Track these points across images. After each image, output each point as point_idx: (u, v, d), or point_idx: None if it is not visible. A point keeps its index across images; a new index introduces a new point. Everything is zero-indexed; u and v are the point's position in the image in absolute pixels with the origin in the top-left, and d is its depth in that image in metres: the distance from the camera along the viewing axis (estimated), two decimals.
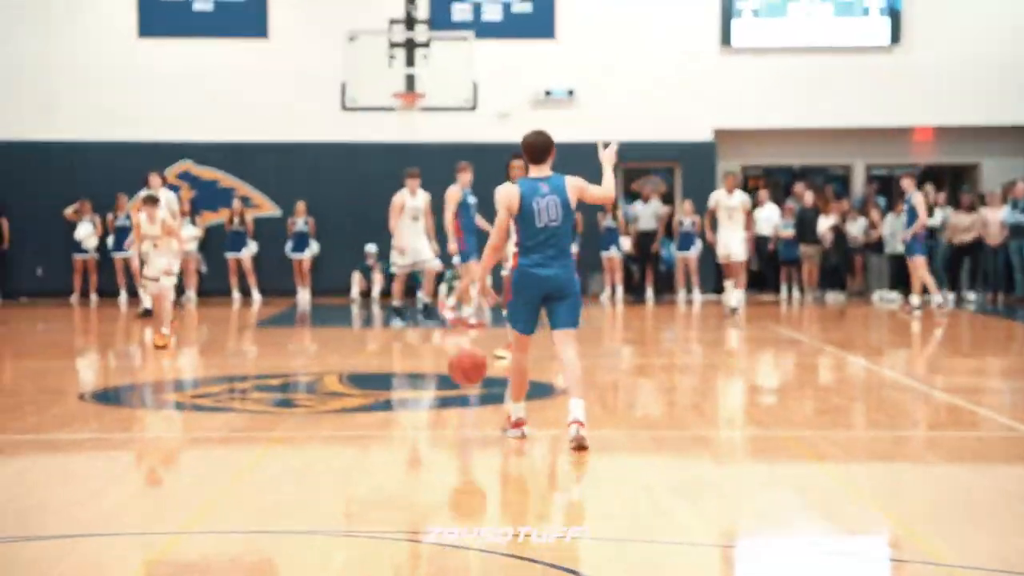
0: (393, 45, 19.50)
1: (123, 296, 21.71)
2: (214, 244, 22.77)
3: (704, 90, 23.39)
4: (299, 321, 19.39)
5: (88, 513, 6.45)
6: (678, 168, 23.79)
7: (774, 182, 24.52)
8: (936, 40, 23.42)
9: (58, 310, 20.67)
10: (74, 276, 22.48)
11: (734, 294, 18.27)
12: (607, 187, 8.45)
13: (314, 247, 22.82)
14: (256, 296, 22.39)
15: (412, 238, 16.73)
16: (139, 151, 22.75)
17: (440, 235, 17.28)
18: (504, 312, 8.88)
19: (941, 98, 23.36)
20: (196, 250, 22.19)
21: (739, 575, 5.63)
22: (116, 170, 22.35)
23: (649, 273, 22.66)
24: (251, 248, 22.62)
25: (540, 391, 10.79)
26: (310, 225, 22.77)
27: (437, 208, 16.76)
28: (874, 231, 22.50)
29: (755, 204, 23.45)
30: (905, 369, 12.78)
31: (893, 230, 22.06)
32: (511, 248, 8.74)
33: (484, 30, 22.57)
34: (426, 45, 19.65)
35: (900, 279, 22.42)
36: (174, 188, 21.05)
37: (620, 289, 22.60)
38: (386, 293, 22.37)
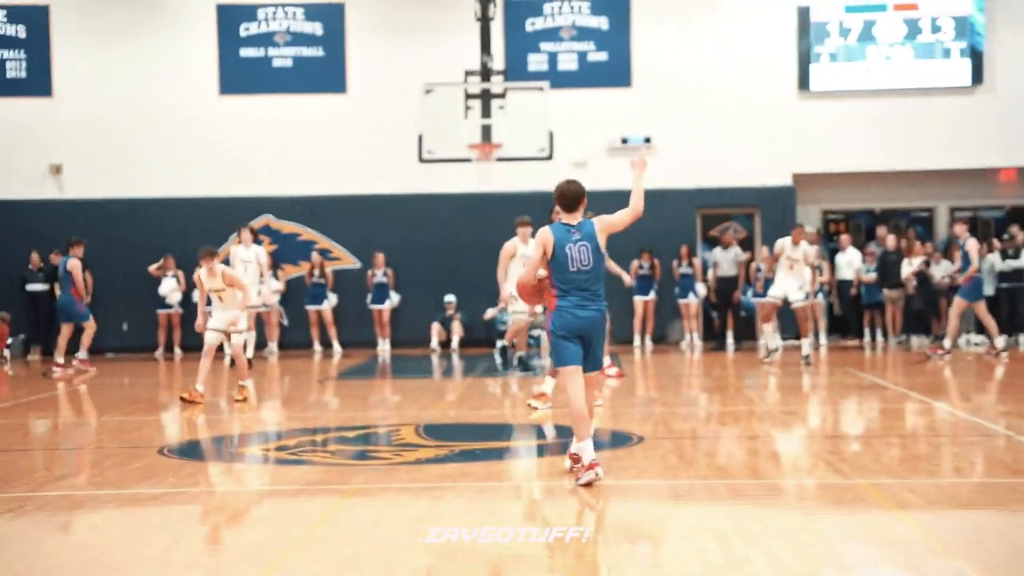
0: (469, 96, 19.61)
1: None
2: (295, 297, 22.99)
3: (783, 134, 23.28)
4: (379, 372, 19.46)
5: (161, 568, 6.48)
6: (757, 213, 23.63)
7: (856, 226, 24.27)
8: (1019, 80, 23.13)
9: (143, 365, 20.93)
10: (158, 331, 22.82)
11: (805, 342, 18.11)
12: (634, 205, 8.73)
13: (394, 298, 22.96)
14: (337, 348, 22.54)
15: None
16: (221, 206, 23.14)
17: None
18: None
19: None
20: (278, 303, 22.41)
21: None
22: (198, 225, 22.72)
23: (730, 320, 22.49)
24: (331, 300, 22.82)
25: (623, 440, 10.72)
26: (389, 276, 22.92)
27: None
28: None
29: (836, 249, 23.26)
30: (990, 414, 12.51)
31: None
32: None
33: (560, 79, 22.67)
34: (502, 96, 19.73)
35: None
36: (257, 243, 21.34)
37: (695, 336, 22.49)
38: (465, 343, 22.42)
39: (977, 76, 23.11)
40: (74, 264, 19.01)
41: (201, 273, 14.34)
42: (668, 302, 22.76)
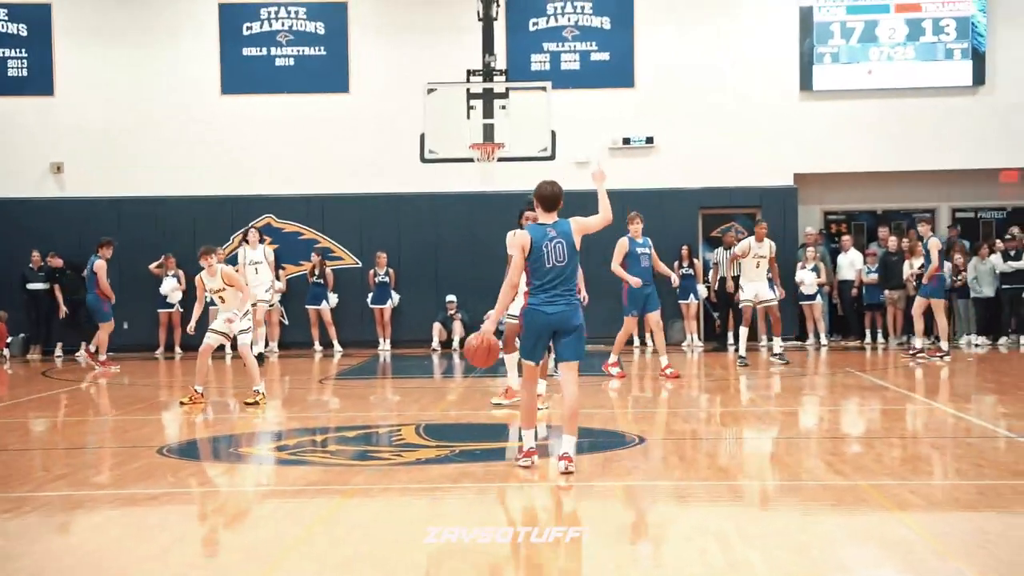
0: (471, 96, 19.56)
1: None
2: (297, 296, 22.97)
3: (784, 134, 23.26)
4: (379, 372, 19.44)
5: (161, 568, 6.47)
6: (759, 213, 23.59)
7: (857, 226, 24.24)
8: (1021, 81, 23.11)
9: (143, 364, 20.91)
10: (159, 330, 22.81)
11: (777, 340, 18.30)
12: (603, 211, 9.23)
13: (395, 298, 22.93)
14: (337, 348, 22.51)
15: None
16: (222, 205, 23.14)
17: None
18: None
19: None
20: (279, 302, 22.39)
21: None
22: (199, 225, 22.71)
23: (731, 320, 22.46)
24: (332, 300, 22.79)
25: (616, 442, 10.72)
26: (391, 276, 22.90)
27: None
28: (959, 275, 22.14)
29: (838, 249, 23.24)
30: (990, 416, 12.49)
31: (977, 274, 21.79)
32: (521, 289, 9.42)
33: (562, 79, 22.65)
34: (504, 95, 19.68)
35: (988, 323, 22.06)
36: (260, 242, 21.33)
37: (695, 336, 22.47)
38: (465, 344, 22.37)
39: (979, 77, 23.08)
40: (100, 265, 19.75)
41: (202, 276, 14.29)
42: (669, 302, 22.69)
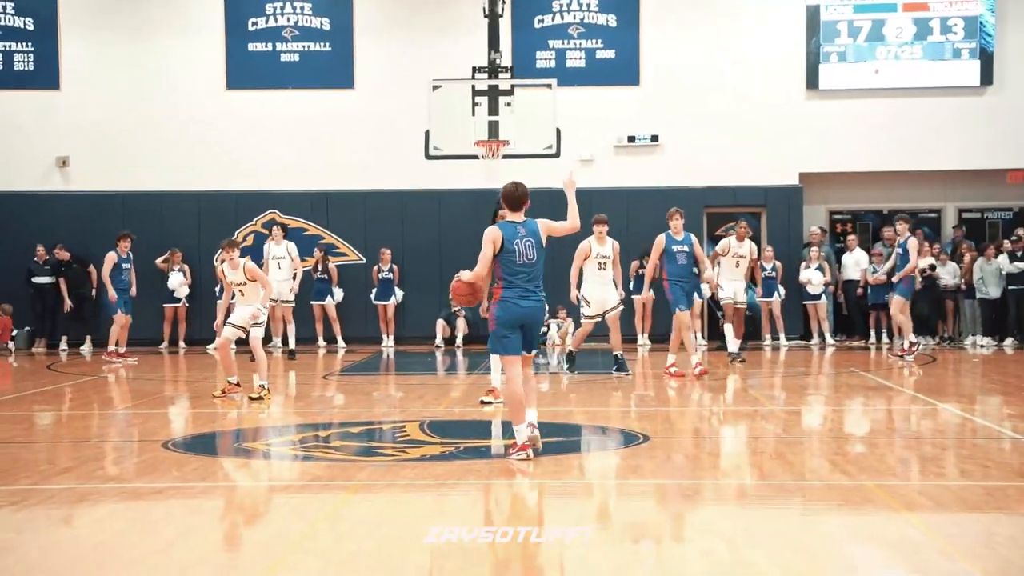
0: (476, 93, 19.53)
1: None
2: (302, 292, 22.92)
3: (790, 134, 23.23)
4: (383, 368, 19.42)
5: (165, 562, 6.45)
6: (764, 212, 23.58)
7: (863, 226, 24.21)
8: None
9: (148, 358, 20.90)
10: (164, 324, 22.82)
11: (736, 342, 18.55)
12: (572, 218, 9.77)
13: (399, 294, 22.92)
14: (341, 343, 22.50)
15: (599, 288, 16.44)
16: (227, 200, 23.14)
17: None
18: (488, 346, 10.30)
19: None
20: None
21: None
22: (204, 220, 22.70)
23: None
24: (337, 296, 22.78)
25: (629, 439, 10.70)
26: (395, 272, 22.89)
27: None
28: (965, 276, 22.12)
29: (843, 249, 23.21)
30: (997, 416, 12.46)
31: (983, 275, 21.76)
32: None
33: (567, 77, 22.63)
34: (509, 93, 19.65)
35: (994, 324, 22.03)
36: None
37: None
38: (469, 340, 22.38)
39: (986, 77, 23.04)
40: (107, 257, 20.26)
41: (224, 267, 14.38)
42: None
